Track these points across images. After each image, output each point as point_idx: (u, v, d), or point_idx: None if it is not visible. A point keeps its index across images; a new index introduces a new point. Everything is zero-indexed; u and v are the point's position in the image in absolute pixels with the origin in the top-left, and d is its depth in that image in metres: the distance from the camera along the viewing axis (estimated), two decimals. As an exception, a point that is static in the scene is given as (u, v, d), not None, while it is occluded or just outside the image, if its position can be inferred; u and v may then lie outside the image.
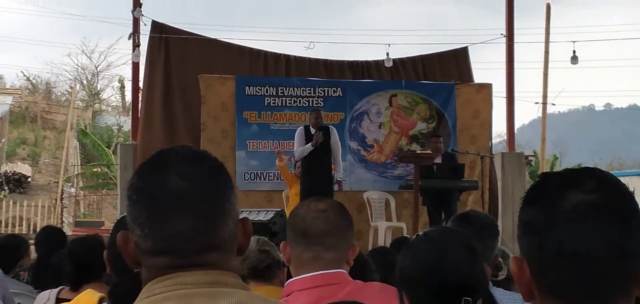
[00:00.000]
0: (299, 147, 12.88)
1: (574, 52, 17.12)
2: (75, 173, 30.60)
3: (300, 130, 13.10)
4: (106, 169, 29.49)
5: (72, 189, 29.21)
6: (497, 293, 3.48)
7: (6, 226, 23.64)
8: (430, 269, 2.57)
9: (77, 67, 40.38)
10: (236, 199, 1.88)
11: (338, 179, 13.17)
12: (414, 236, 2.80)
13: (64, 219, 25.81)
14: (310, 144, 12.72)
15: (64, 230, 15.21)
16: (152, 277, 1.77)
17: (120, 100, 42.51)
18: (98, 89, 41.96)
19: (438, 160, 13.40)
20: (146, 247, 1.78)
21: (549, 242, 1.57)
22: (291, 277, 3.00)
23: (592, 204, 1.56)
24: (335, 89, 15.65)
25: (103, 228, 19.35)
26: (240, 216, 1.88)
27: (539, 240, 1.58)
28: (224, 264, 1.80)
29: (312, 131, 12.87)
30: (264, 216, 11.49)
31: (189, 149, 1.90)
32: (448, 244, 2.65)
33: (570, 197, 1.58)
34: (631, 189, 1.63)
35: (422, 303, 2.56)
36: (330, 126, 13.38)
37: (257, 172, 15.06)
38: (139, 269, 1.84)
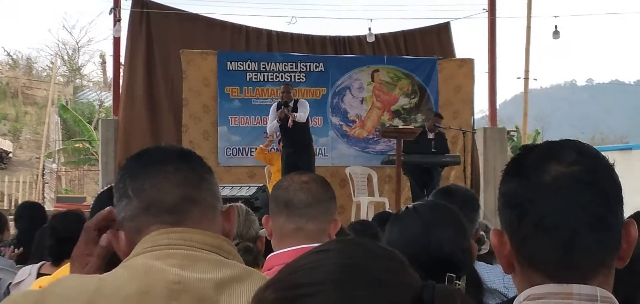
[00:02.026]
0: (268, 124, 12.95)
1: (556, 27, 17.12)
2: (56, 149, 30.50)
3: (273, 106, 13.11)
4: (88, 145, 29.42)
5: (54, 165, 29.13)
6: (479, 267, 3.50)
7: (-13, 202, 23.57)
8: (416, 242, 2.57)
9: (57, 42, 40.24)
10: (217, 187, 1.94)
11: (295, 118, 12.67)
12: (403, 209, 2.80)
13: (45, 194, 25.75)
14: (275, 120, 12.74)
15: (46, 206, 15.18)
16: (144, 234, 1.79)
17: (101, 75, 42.38)
18: (79, 64, 41.85)
19: (431, 135, 13.52)
20: (132, 210, 1.82)
21: (529, 214, 1.57)
22: (272, 251, 3.00)
23: (572, 177, 1.56)
24: (318, 65, 15.63)
25: (85, 203, 19.29)
26: (225, 205, 1.93)
27: (519, 212, 1.59)
28: (209, 226, 1.83)
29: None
30: (246, 192, 11.47)
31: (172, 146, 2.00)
32: (436, 219, 2.65)
33: (551, 170, 1.57)
34: (611, 161, 1.63)
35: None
36: (301, 100, 13.34)
37: (239, 148, 15.02)
38: None
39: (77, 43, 40.75)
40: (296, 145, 12.67)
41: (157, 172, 1.83)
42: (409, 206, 2.79)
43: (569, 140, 1.66)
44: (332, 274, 1.21)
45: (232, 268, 1.74)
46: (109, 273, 1.71)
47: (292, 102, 12.90)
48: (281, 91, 13.18)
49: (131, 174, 1.86)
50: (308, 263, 1.26)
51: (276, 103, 13.11)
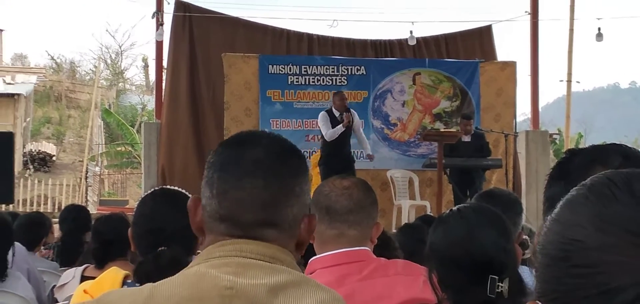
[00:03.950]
0: (329, 130, 12.78)
1: (599, 29, 16.95)
2: (99, 152, 30.76)
3: (323, 114, 12.99)
4: (130, 148, 29.61)
5: (97, 168, 29.37)
6: (522, 271, 3.47)
7: (31, 205, 23.79)
8: (459, 244, 2.56)
9: (101, 46, 40.61)
10: (309, 188, 1.90)
11: (368, 154, 13.51)
12: (447, 211, 2.79)
13: (88, 197, 25.96)
14: (341, 125, 12.63)
15: (89, 209, 15.30)
16: (212, 242, 1.79)
17: (144, 79, 42.69)
18: (122, 68, 42.19)
19: (467, 139, 13.41)
20: (211, 210, 1.81)
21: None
22: (315, 254, 2.99)
23: (618, 181, 1.55)
24: (359, 68, 15.61)
25: (127, 206, 19.41)
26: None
27: (564, 216, 1.57)
28: (281, 244, 1.80)
29: (336, 113, 12.80)
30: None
31: (270, 133, 1.94)
32: (479, 220, 2.63)
33: (596, 174, 1.56)
34: (658, 165, 1.61)
35: (451, 278, 2.54)
36: (351, 109, 13.27)
37: (280, 151, 15.00)
38: (202, 237, 1.85)
39: (120, 47, 41.14)
40: (339, 151, 12.63)
41: (244, 186, 1.78)
42: (453, 208, 2.78)
43: (614, 144, 1.64)
44: None
45: (288, 274, 1.71)
46: (163, 280, 1.71)
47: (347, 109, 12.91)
48: (337, 99, 13.06)
49: (221, 169, 1.83)
50: None
51: (325, 112, 13.04)
